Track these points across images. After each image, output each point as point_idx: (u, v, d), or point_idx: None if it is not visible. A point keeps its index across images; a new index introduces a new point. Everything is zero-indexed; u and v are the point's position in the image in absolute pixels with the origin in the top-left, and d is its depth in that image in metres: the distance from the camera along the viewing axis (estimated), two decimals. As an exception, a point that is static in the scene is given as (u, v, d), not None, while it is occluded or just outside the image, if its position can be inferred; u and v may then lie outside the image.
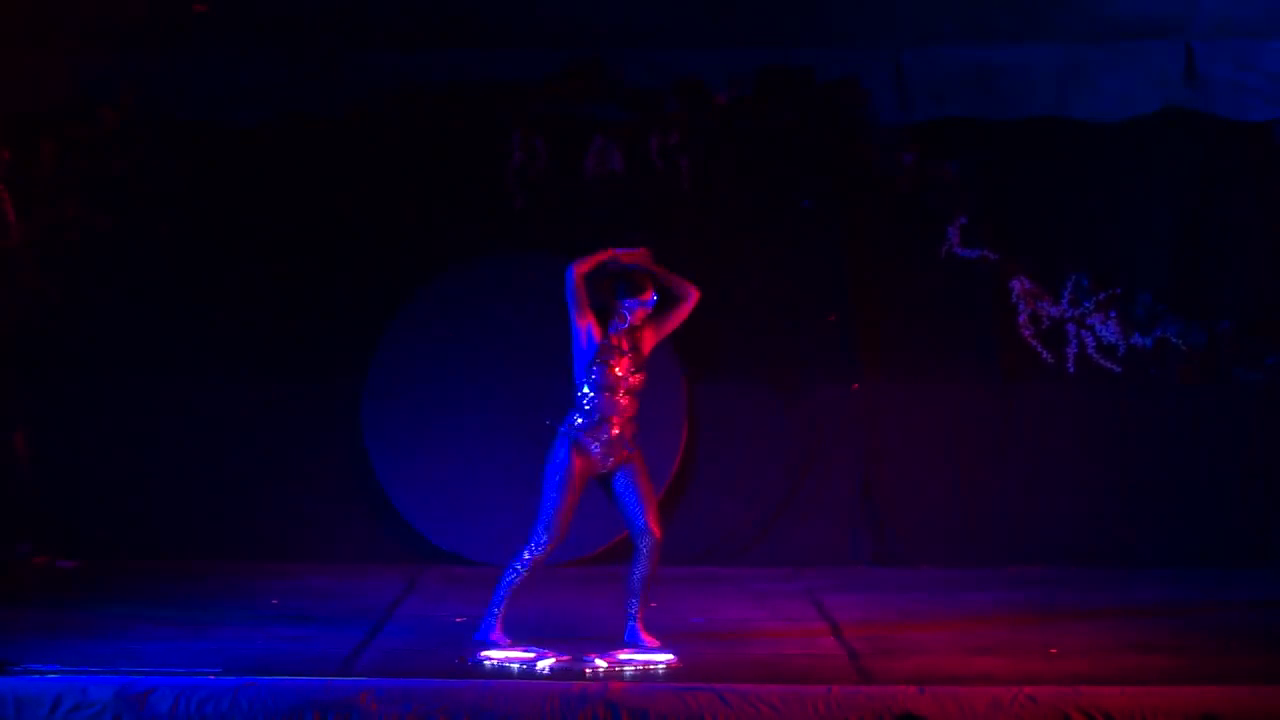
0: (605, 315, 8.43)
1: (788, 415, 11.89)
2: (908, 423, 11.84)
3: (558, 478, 8.40)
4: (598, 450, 8.40)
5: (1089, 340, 11.64)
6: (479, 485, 11.65)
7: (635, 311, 8.40)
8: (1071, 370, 11.67)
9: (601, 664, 7.97)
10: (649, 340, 8.50)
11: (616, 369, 8.40)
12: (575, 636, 8.64)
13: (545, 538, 8.40)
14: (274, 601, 10.00)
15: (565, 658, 8.05)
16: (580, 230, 11.80)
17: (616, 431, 8.40)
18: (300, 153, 11.78)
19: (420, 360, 11.79)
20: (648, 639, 8.37)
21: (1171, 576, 11.20)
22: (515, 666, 7.96)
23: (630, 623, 8.42)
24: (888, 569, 11.66)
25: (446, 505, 11.72)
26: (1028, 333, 11.69)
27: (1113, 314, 11.61)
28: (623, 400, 8.40)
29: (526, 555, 8.41)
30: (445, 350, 11.78)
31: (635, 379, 8.44)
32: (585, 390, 8.40)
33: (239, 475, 11.76)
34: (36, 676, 7.47)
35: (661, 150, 11.75)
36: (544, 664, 7.97)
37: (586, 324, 8.39)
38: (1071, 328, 11.66)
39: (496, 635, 8.37)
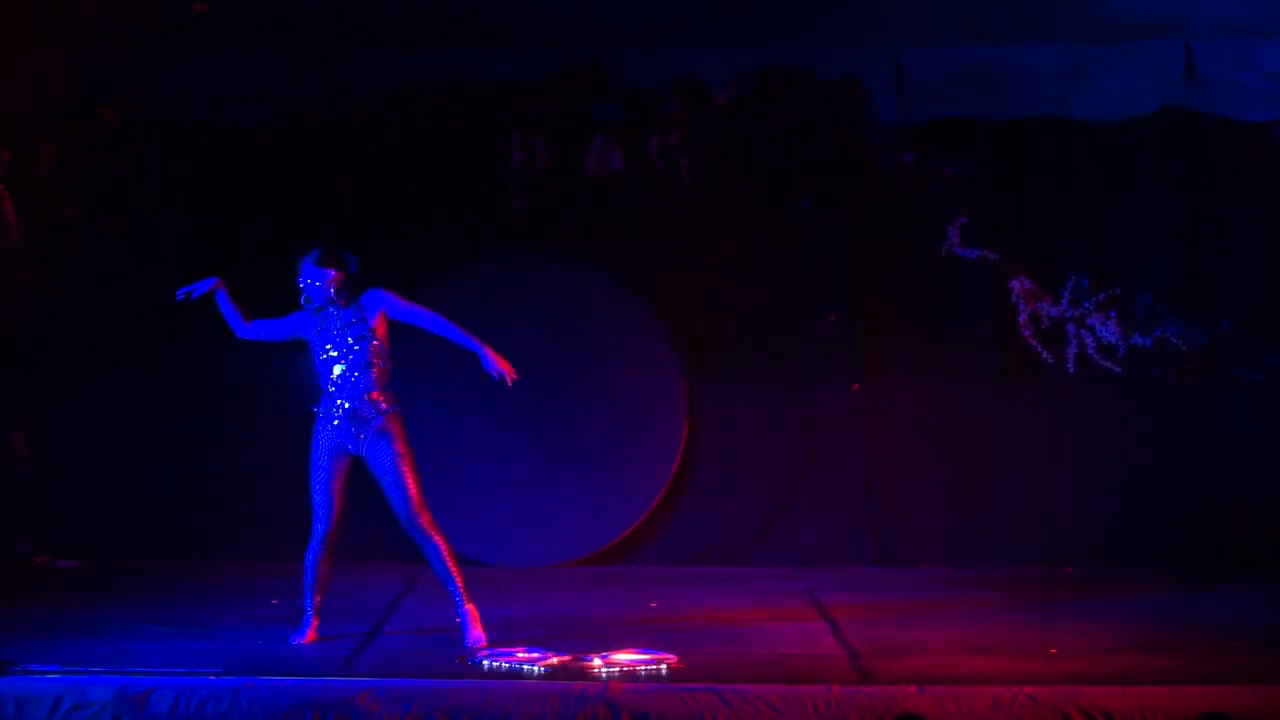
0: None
1: (788, 415, 11.89)
2: (908, 423, 11.84)
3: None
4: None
5: (1089, 340, 11.65)
6: (479, 485, 11.65)
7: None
8: (1071, 370, 11.67)
9: (601, 664, 7.96)
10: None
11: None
12: (575, 636, 8.63)
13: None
14: (274, 601, 10.00)
15: (565, 658, 8.04)
16: (581, 231, 11.83)
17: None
18: (300, 153, 11.78)
19: (420, 359, 11.77)
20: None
21: (1171, 577, 11.19)
22: (515, 667, 7.95)
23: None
24: (888, 569, 11.66)
25: (446, 505, 11.66)
26: (1028, 333, 11.69)
27: (1113, 314, 11.61)
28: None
29: None
30: (445, 349, 11.75)
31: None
32: None
33: (239, 475, 11.76)
34: (36, 676, 7.47)
35: (662, 150, 11.75)
36: (544, 664, 7.96)
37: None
38: (1071, 328, 11.66)
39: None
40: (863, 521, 11.86)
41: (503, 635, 8.58)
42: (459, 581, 8.54)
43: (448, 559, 8.53)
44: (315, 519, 8.69)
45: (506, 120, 11.76)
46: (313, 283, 8.64)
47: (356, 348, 8.57)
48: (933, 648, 8.59)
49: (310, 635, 8.64)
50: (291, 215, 11.81)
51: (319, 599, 8.72)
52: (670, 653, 8.14)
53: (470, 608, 8.53)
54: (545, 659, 8.01)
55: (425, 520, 8.54)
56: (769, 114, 11.73)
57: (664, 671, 7.90)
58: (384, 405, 8.59)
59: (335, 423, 8.57)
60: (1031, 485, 11.79)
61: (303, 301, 8.68)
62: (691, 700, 7.29)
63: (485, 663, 8.04)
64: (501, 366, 8.56)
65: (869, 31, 11.36)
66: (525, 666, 7.93)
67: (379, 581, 10.75)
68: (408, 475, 8.53)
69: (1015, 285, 11.69)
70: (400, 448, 8.55)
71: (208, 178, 11.80)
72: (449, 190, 11.88)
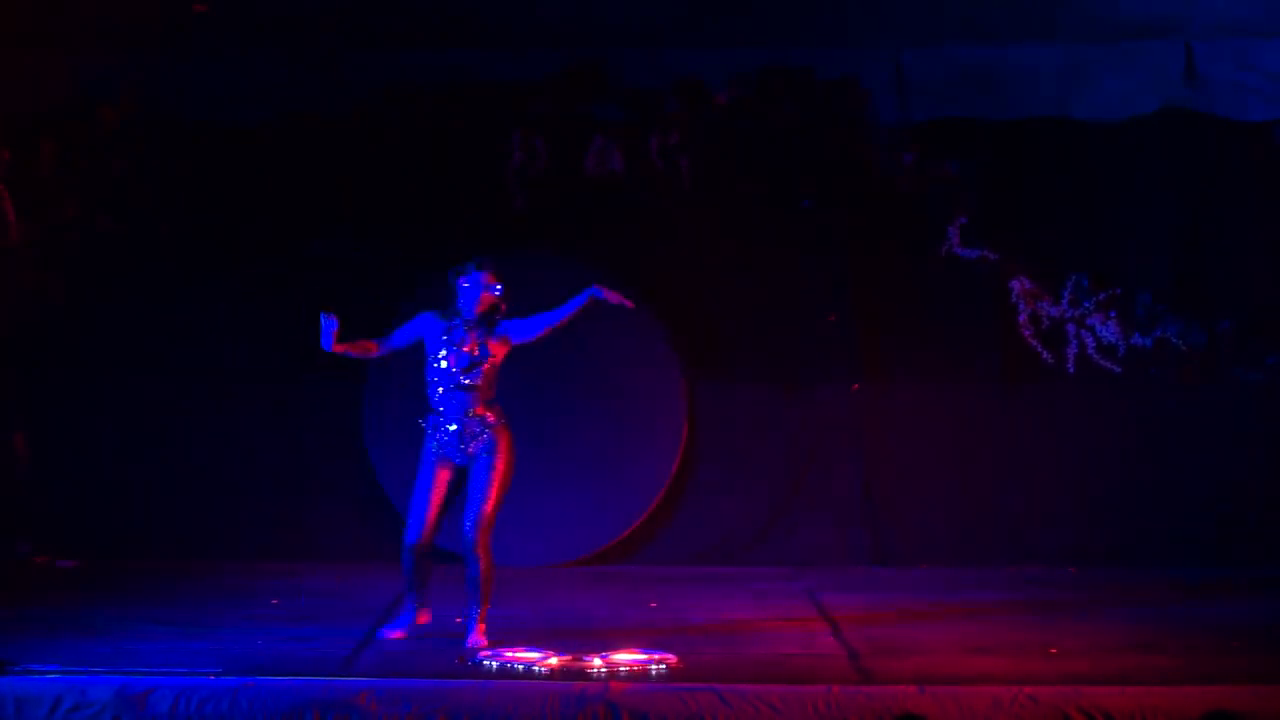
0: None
1: (788, 415, 11.89)
2: (908, 423, 11.84)
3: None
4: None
5: (1089, 340, 11.65)
6: (479, 485, 11.64)
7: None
8: (1071, 370, 11.67)
9: (601, 664, 7.96)
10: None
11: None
12: (575, 636, 8.63)
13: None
14: (274, 601, 10.00)
15: (565, 658, 8.04)
16: (580, 230, 11.83)
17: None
18: (300, 152, 11.78)
19: (420, 360, 11.77)
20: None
21: (1171, 576, 11.19)
22: (515, 667, 7.95)
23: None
24: (888, 569, 11.66)
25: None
26: (1028, 333, 11.70)
27: (1113, 314, 11.61)
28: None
29: None
30: (445, 350, 11.77)
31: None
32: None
33: (239, 475, 11.77)
34: (36, 676, 7.46)
35: (662, 150, 11.75)
36: (544, 664, 7.96)
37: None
38: (1071, 328, 11.66)
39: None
40: (863, 521, 11.86)
41: (503, 635, 8.58)
42: (483, 606, 8.53)
43: (485, 581, 8.53)
44: (407, 528, 8.68)
45: (506, 120, 11.76)
46: (475, 289, 8.53)
47: (474, 368, 8.54)
48: (933, 648, 8.59)
49: (400, 633, 8.66)
50: (291, 215, 11.82)
51: (420, 594, 8.72)
52: (670, 653, 8.14)
53: (481, 627, 8.52)
54: (545, 659, 8.01)
55: (483, 539, 8.53)
56: (769, 114, 11.73)
57: (664, 671, 7.90)
58: (491, 420, 8.56)
59: (443, 437, 8.57)
60: (1031, 485, 11.79)
61: (460, 307, 8.56)
62: (691, 700, 7.29)
63: (485, 662, 8.04)
64: (614, 297, 8.51)
65: (869, 31, 11.37)
66: (525, 666, 7.93)
67: (379, 581, 10.74)
68: (493, 493, 8.53)
69: (1015, 285, 11.70)
70: (500, 464, 8.54)
71: (208, 178, 11.80)
72: (449, 190, 11.87)
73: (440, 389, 8.56)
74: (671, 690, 7.40)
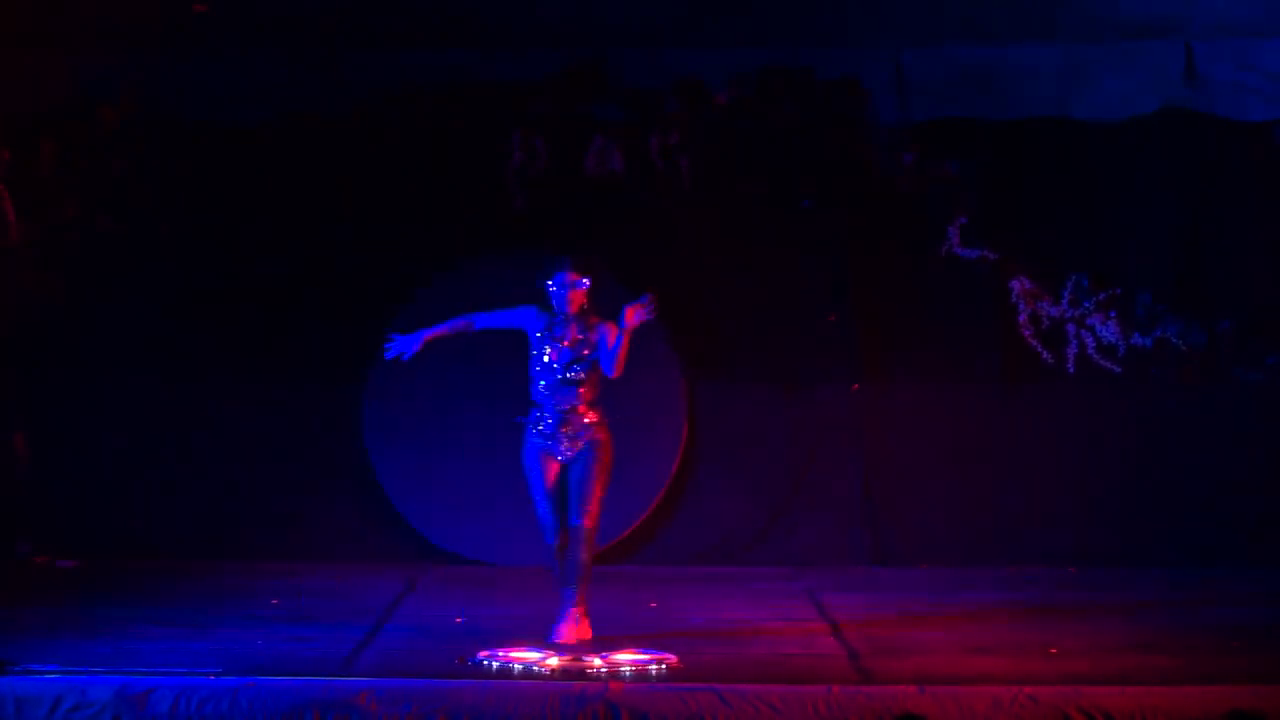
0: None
1: (788, 415, 11.89)
2: (908, 423, 11.84)
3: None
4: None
5: (1089, 340, 11.65)
6: (478, 485, 11.65)
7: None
8: (1071, 370, 11.68)
9: (601, 664, 7.96)
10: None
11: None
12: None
13: None
14: (274, 601, 10.00)
15: (565, 658, 8.04)
16: (580, 230, 11.82)
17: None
18: (300, 153, 11.78)
19: (420, 360, 11.76)
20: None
21: (1171, 576, 11.19)
22: (515, 667, 7.95)
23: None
24: (888, 568, 11.66)
25: (446, 505, 11.72)
26: (1028, 333, 11.70)
27: (1113, 314, 11.61)
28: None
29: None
30: (446, 350, 11.75)
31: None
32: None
33: (239, 475, 11.77)
34: (36, 676, 7.46)
35: (662, 150, 11.76)
36: (544, 664, 7.96)
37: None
38: (1071, 328, 11.66)
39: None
40: (863, 521, 11.86)
41: (502, 635, 8.58)
42: (582, 588, 8.57)
43: (584, 567, 8.57)
44: (543, 531, 8.68)
45: (506, 120, 11.76)
46: (563, 289, 8.56)
47: (576, 362, 8.57)
48: (933, 648, 8.59)
49: (566, 632, 8.59)
50: (291, 215, 11.82)
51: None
52: (670, 653, 8.14)
53: (575, 612, 8.55)
54: (545, 659, 8.01)
55: (590, 525, 8.58)
56: (769, 114, 11.73)
57: (664, 672, 7.89)
58: (591, 419, 8.60)
59: (542, 433, 8.60)
60: (1031, 485, 11.79)
61: (556, 306, 8.61)
62: (691, 700, 7.28)
63: (485, 663, 8.04)
64: (637, 309, 8.48)
65: (869, 31, 11.37)
66: (525, 666, 7.93)
67: (379, 581, 10.75)
68: (598, 490, 8.59)
69: (1015, 285, 11.70)
70: (604, 458, 8.59)
71: (208, 178, 11.80)
72: (449, 190, 11.88)
73: (543, 384, 8.60)
74: (671, 690, 7.40)
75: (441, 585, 10.85)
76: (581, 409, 8.60)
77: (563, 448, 8.60)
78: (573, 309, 8.58)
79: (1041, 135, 11.72)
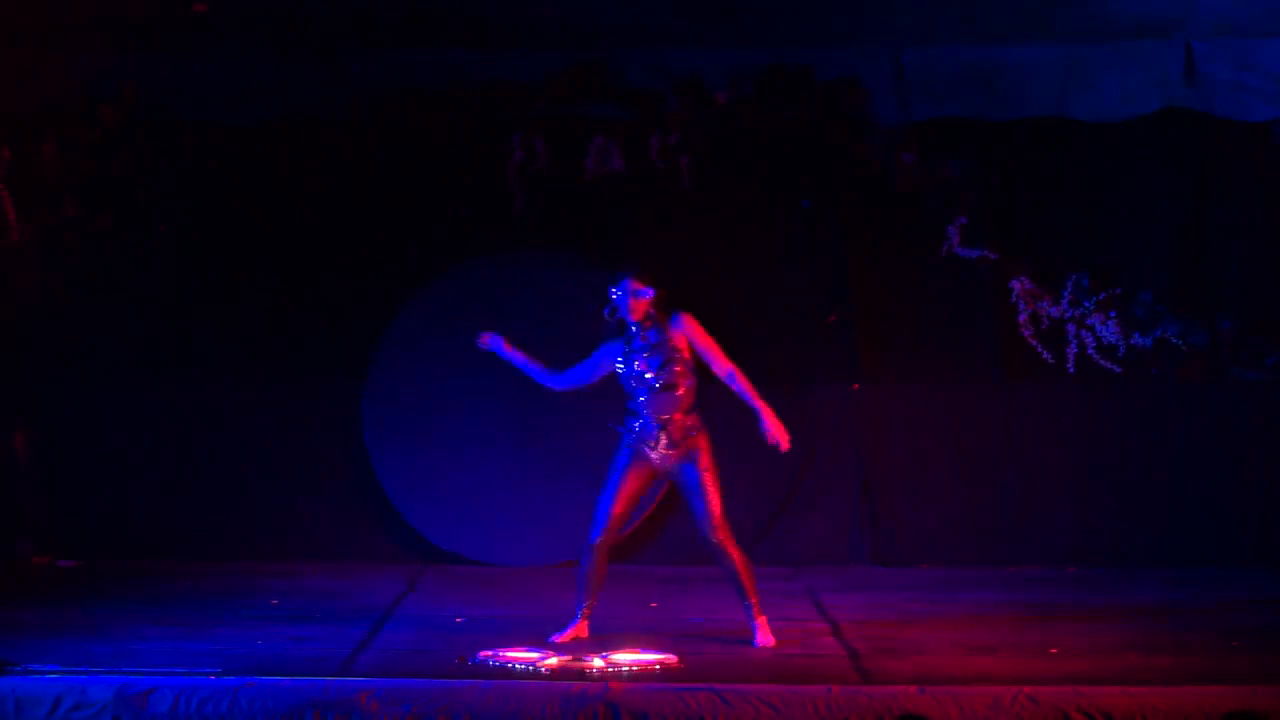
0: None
1: (788, 415, 11.82)
2: (908, 423, 11.85)
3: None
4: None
5: (1089, 340, 11.65)
6: (479, 485, 11.65)
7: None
8: (1072, 370, 11.67)
9: (602, 664, 7.96)
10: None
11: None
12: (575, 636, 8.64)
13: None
14: (274, 601, 10.00)
15: (565, 658, 8.04)
16: (581, 231, 11.83)
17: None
18: (300, 153, 11.78)
19: (420, 360, 11.79)
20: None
21: (1171, 576, 11.20)
22: (515, 667, 7.96)
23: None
24: (888, 569, 11.66)
25: (447, 505, 11.72)
26: (1028, 333, 11.70)
27: (1113, 314, 11.61)
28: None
29: None
30: (445, 350, 11.77)
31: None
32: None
33: (239, 475, 11.77)
34: (37, 676, 7.47)
35: (662, 150, 11.75)
36: (544, 664, 7.96)
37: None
38: (1072, 328, 11.66)
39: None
40: (862, 521, 11.86)
41: (502, 635, 8.58)
42: (752, 596, 8.64)
43: (741, 573, 8.62)
44: (593, 525, 8.71)
45: (507, 120, 11.76)
46: (628, 301, 8.62)
47: (664, 370, 8.62)
48: (933, 648, 8.59)
49: (568, 635, 8.64)
50: (291, 215, 11.82)
51: (591, 602, 8.71)
52: (670, 653, 8.15)
53: (761, 620, 8.64)
54: (545, 659, 8.01)
55: (723, 535, 8.62)
56: (769, 114, 11.73)
57: (664, 672, 7.90)
58: (689, 425, 8.64)
59: (641, 443, 8.63)
60: (1031, 485, 11.79)
61: (607, 316, 8.69)
62: (692, 700, 7.29)
63: (485, 663, 8.04)
64: (778, 434, 8.72)
65: (869, 31, 11.36)
66: (525, 666, 7.93)
67: (379, 582, 10.75)
68: (711, 492, 8.64)
69: (1015, 285, 11.70)
70: (705, 462, 8.65)
71: (207, 178, 11.80)
72: (449, 190, 11.87)
73: (642, 397, 8.64)
74: (672, 690, 7.40)
75: (441, 585, 10.86)
76: (679, 416, 8.62)
77: (661, 455, 8.60)
78: (635, 317, 8.63)
79: (1042, 135, 11.71)
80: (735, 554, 8.61)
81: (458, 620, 9.38)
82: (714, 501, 8.61)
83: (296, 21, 11.05)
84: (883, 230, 11.83)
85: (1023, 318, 11.69)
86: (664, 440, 8.61)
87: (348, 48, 11.55)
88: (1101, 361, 11.66)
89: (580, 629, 8.68)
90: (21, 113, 11.48)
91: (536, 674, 7.83)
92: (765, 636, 8.61)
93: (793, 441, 11.84)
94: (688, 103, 11.72)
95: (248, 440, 11.79)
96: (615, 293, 8.65)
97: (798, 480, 11.86)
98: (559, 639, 8.59)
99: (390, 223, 11.84)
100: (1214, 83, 11.46)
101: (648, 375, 8.62)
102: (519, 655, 8.08)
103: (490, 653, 8.15)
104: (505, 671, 7.88)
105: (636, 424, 8.64)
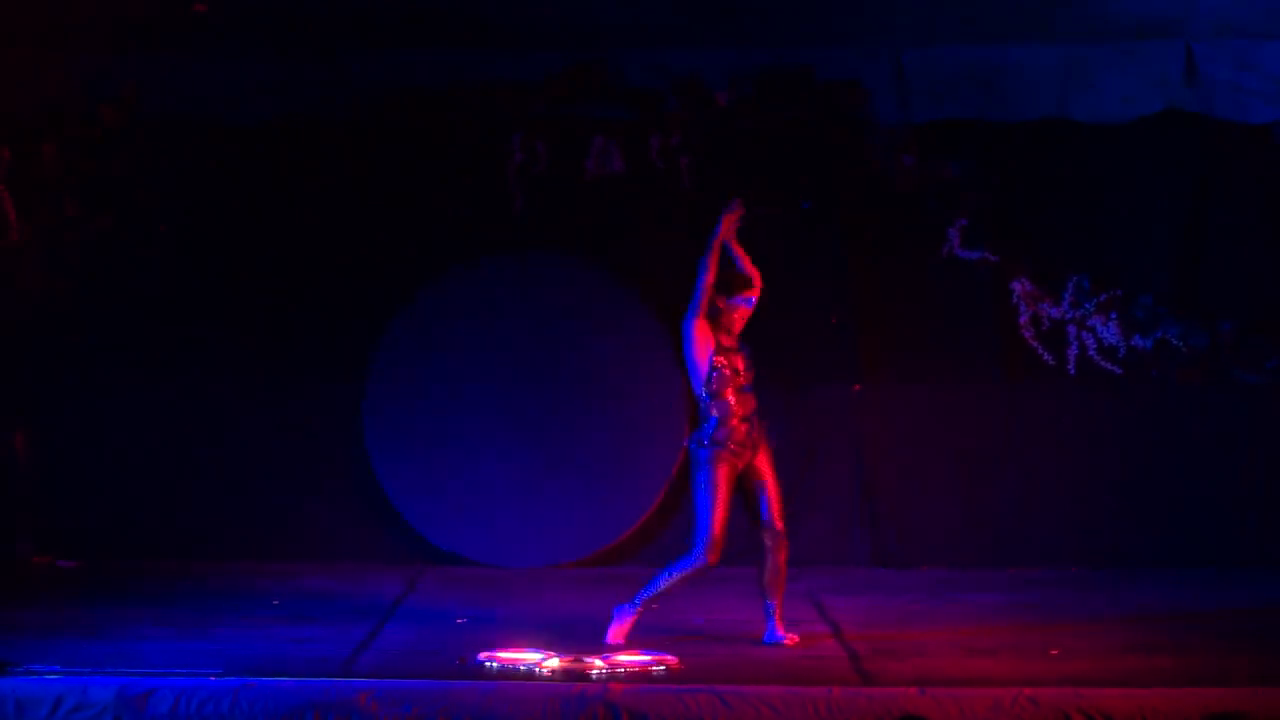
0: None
1: (788, 415, 11.86)
2: (908, 424, 11.84)
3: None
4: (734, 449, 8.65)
5: (1090, 342, 11.65)
6: (480, 486, 11.65)
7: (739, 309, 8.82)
8: (1072, 372, 11.67)
9: (602, 665, 7.96)
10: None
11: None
12: (575, 637, 8.63)
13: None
14: (274, 602, 10.00)
15: (565, 659, 8.04)
16: (581, 231, 11.82)
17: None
18: (300, 153, 11.77)
19: (421, 361, 11.79)
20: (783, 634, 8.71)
21: (1172, 577, 11.21)
22: (515, 668, 7.95)
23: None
24: (888, 570, 11.66)
25: (447, 506, 11.71)
26: (1028, 334, 11.69)
27: (1113, 315, 11.61)
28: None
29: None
30: (446, 351, 11.78)
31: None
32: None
33: (239, 475, 11.76)
34: (37, 677, 7.47)
35: (662, 151, 11.74)
36: (544, 665, 7.96)
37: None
38: (1072, 329, 11.66)
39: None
40: (863, 522, 11.86)
41: (503, 636, 8.58)
42: (778, 596, 8.76)
43: (783, 569, 8.75)
44: (708, 550, 8.69)
45: (507, 121, 11.74)
46: (741, 309, 8.90)
47: (749, 370, 8.87)
48: (933, 649, 8.59)
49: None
50: (292, 215, 11.81)
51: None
52: (670, 654, 8.14)
53: (780, 622, 8.73)
54: (546, 660, 8.01)
55: (784, 527, 8.78)
56: (769, 114, 11.72)
57: (664, 673, 7.90)
58: (762, 423, 8.78)
59: (739, 443, 8.67)
60: (1031, 485, 11.79)
61: (726, 327, 8.86)
62: (692, 701, 7.29)
63: (485, 664, 8.04)
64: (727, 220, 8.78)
65: (869, 31, 11.35)
66: (526, 667, 7.93)
67: (380, 582, 10.76)
68: (776, 483, 8.79)
69: (1016, 286, 11.69)
70: (769, 456, 8.78)
71: (208, 178, 11.79)
72: (449, 191, 11.86)
73: (732, 399, 8.73)
74: (672, 692, 7.41)
75: (442, 586, 10.86)
76: (758, 414, 8.75)
77: (748, 455, 8.68)
78: (740, 326, 8.85)
79: (1042, 136, 11.70)
80: (787, 549, 8.72)
81: (458, 621, 9.38)
82: (779, 492, 8.75)
83: (296, 21, 11.04)
84: (883, 231, 11.82)
85: (1023, 319, 11.69)
86: (752, 438, 8.67)
87: (348, 48, 11.53)
88: (1102, 363, 11.66)
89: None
90: (21, 113, 11.47)
91: (537, 675, 7.83)
92: (789, 635, 8.72)
93: (793, 442, 11.91)
94: (688, 103, 11.71)
95: (248, 440, 11.79)
96: (731, 302, 8.79)
97: (798, 481, 11.85)
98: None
99: (390, 223, 11.83)
100: (1214, 84, 11.45)
101: (741, 375, 8.76)
102: (519, 656, 8.08)
103: (490, 654, 8.15)
104: (505, 672, 7.88)
105: (729, 427, 8.66)
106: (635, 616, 8.69)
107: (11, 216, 11.44)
